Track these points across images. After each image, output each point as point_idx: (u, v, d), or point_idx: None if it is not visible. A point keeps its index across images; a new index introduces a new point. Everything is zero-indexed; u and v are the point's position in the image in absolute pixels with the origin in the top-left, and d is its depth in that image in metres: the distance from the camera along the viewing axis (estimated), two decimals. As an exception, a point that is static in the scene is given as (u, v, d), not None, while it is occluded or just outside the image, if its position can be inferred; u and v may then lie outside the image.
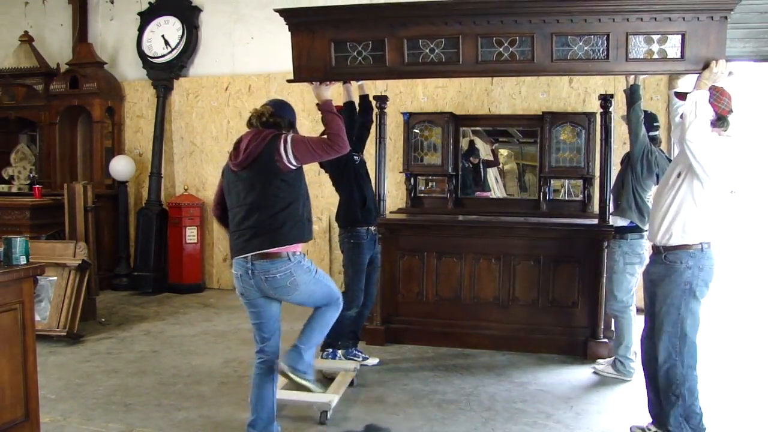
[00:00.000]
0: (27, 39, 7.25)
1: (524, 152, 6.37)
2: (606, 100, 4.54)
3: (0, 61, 7.33)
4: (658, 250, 3.15)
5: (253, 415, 3.05)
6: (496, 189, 6.39)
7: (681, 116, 3.11)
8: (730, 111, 3.05)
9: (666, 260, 3.09)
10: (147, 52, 7.04)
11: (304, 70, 3.35)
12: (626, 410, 3.64)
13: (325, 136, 2.95)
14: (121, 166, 6.85)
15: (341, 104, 4.16)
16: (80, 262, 4.91)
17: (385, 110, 4.94)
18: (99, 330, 5.24)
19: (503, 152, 6.49)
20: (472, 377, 4.15)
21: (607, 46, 3.09)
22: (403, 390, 3.91)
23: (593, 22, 3.06)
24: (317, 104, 3.31)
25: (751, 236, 8.21)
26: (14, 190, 7.26)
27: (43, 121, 7.13)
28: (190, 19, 6.97)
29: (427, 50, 3.25)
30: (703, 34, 3.01)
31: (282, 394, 3.46)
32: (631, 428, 3.34)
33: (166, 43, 6.97)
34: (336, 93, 3.68)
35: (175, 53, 6.96)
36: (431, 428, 3.36)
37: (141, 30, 7.09)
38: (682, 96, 3.31)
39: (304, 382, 2.97)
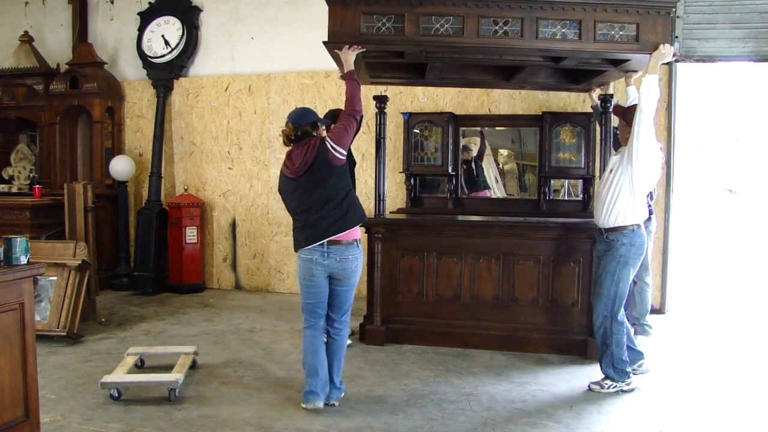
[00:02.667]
0: (27, 39, 7.25)
1: (524, 152, 6.36)
2: (606, 100, 4.54)
3: (0, 61, 7.33)
4: (600, 232, 3.94)
5: (313, 379, 3.52)
6: (496, 189, 6.38)
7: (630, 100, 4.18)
8: None
9: (607, 239, 3.88)
10: (147, 52, 7.04)
11: (338, 35, 3.92)
12: (626, 410, 3.64)
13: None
14: (121, 166, 6.85)
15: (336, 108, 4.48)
16: (80, 262, 4.91)
17: (385, 110, 4.95)
18: (99, 330, 5.24)
19: (503, 152, 6.48)
20: (472, 377, 4.15)
21: (580, 29, 3.84)
22: (403, 390, 3.91)
23: (569, 10, 3.82)
24: (341, 76, 3.87)
25: (751, 236, 8.21)
26: (14, 190, 7.26)
27: (43, 121, 7.13)
28: (190, 19, 6.98)
29: (438, 24, 3.87)
30: (652, 25, 3.81)
31: (130, 377, 3.82)
32: (589, 385, 3.92)
33: (166, 43, 6.97)
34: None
35: (175, 53, 6.96)
36: (431, 428, 3.37)
37: (141, 30, 7.09)
38: (618, 110, 4.16)
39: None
